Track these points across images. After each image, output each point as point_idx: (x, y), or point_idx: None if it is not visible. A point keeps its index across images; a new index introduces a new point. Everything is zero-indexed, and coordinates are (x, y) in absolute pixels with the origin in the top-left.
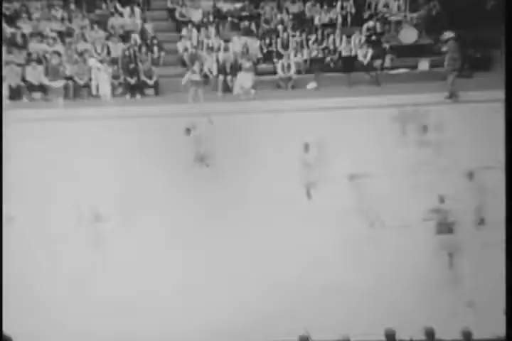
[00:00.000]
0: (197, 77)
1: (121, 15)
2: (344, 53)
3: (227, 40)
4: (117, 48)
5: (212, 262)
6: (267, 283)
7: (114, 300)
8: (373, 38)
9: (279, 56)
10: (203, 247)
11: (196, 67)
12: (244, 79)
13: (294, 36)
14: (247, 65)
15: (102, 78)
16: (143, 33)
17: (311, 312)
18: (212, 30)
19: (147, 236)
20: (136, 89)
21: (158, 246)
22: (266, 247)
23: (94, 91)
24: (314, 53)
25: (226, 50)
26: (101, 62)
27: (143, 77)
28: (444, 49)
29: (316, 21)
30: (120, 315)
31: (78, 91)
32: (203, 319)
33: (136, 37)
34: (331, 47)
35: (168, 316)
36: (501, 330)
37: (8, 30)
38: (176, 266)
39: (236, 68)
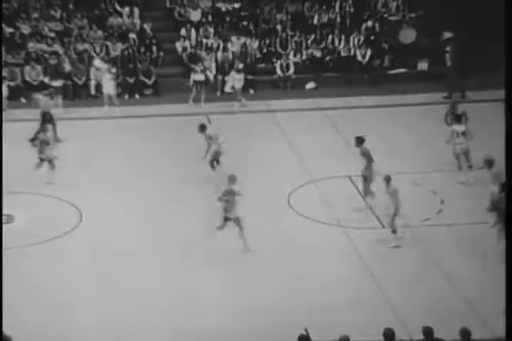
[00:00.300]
0: (201, 77)
1: (120, 15)
2: (343, 53)
3: (225, 40)
4: (116, 48)
5: (211, 260)
6: (269, 282)
7: (114, 299)
8: (372, 38)
9: (278, 56)
10: (202, 246)
11: (198, 67)
12: (235, 80)
13: (292, 36)
14: (240, 65)
15: (105, 78)
16: (142, 33)
17: (311, 312)
18: (210, 30)
19: (147, 235)
20: (135, 89)
21: (158, 246)
22: (268, 247)
23: (93, 91)
24: (313, 53)
25: (225, 50)
26: (103, 61)
27: (142, 77)
28: (446, 49)
29: (315, 21)
30: (120, 313)
31: (77, 91)
32: (202, 318)
33: (134, 37)
34: (330, 47)
35: (169, 313)
36: (501, 330)
37: (6, 30)
38: (175, 264)
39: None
